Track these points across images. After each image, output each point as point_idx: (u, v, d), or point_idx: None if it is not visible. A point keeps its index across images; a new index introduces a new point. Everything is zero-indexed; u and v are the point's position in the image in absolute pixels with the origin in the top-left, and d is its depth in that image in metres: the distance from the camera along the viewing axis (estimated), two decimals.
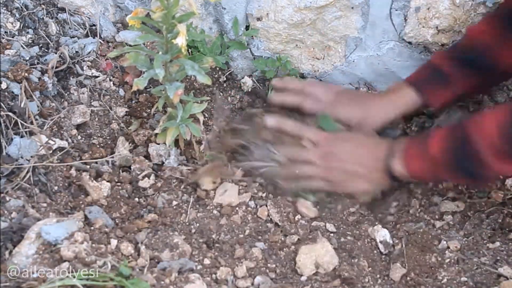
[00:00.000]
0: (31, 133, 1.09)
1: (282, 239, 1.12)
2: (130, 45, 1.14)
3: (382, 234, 1.15)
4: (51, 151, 1.10)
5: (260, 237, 1.12)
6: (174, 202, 1.13)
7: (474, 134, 1.05)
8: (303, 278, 1.05)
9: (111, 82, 1.30)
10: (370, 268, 1.10)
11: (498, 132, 1.02)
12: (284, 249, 1.10)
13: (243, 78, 1.45)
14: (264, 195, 1.19)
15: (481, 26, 1.25)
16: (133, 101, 1.31)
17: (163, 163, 1.20)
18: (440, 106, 1.28)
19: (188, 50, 1.30)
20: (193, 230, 1.09)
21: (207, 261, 1.03)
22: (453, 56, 1.26)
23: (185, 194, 1.15)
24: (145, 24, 1.06)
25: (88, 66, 1.28)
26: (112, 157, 1.17)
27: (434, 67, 1.27)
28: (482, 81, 1.25)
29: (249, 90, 1.43)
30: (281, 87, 1.34)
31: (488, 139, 1.03)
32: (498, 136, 1.02)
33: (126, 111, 1.28)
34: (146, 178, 1.14)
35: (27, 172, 1.04)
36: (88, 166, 1.14)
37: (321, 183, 1.19)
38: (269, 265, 1.06)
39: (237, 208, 1.15)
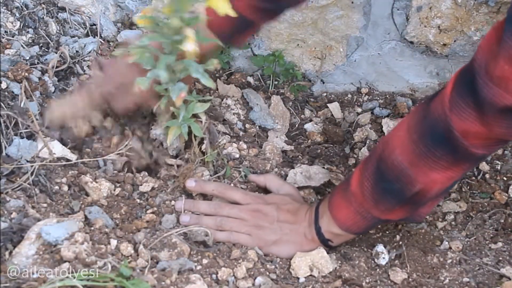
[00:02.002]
0: (32, 133, 1.09)
1: None
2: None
3: (379, 250, 1.12)
4: (51, 152, 1.10)
5: None
6: (173, 202, 1.13)
7: (387, 149, 0.96)
8: (303, 280, 1.05)
9: None
10: (370, 270, 1.09)
11: (408, 136, 0.93)
12: None
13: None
14: None
15: None
16: None
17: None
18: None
19: None
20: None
21: (205, 261, 1.02)
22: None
23: (182, 194, 1.15)
24: (150, 24, 1.05)
25: (88, 66, 1.28)
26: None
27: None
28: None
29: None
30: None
31: (401, 149, 0.94)
32: (409, 140, 0.93)
33: None
34: (145, 183, 1.14)
35: (28, 172, 1.03)
36: (88, 167, 1.13)
37: (249, 240, 1.08)
38: (267, 266, 1.06)
39: None
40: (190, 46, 0.99)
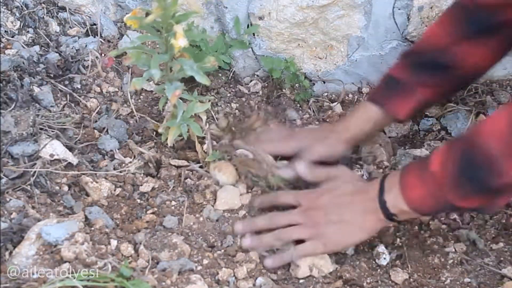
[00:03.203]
0: (33, 133, 1.09)
1: None
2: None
3: (380, 250, 1.12)
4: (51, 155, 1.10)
5: None
6: (173, 203, 1.12)
7: (481, 137, 0.93)
8: (303, 280, 1.05)
9: None
10: (371, 270, 1.09)
11: (508, 128, 0.90)
12: None
13: (245, 78, 1.45)
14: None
15: (434, 28, 1.18)
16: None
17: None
18: (408, 116, 1.20)
19: (191, 47, 1.29)
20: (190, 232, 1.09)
21: (206, 261, 1.02)
22: (409, 64, 1.19)
23: (183, 194, 1.15)
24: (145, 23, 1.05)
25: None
26: (112, 157, 1.17)
27: (391, 78, 1.20)
28: (444, 84, 1.18)
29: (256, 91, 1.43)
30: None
31: (499, 139, 0.91)
32: (509, 132, 0.90)
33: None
34: (146, 183, 1.13)
35: (28, 172, 1.03)
36: (88, 167, 1.13)
37: (314, 244, 1.06)
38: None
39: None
40: (182, 41, 0.99)
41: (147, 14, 1.01)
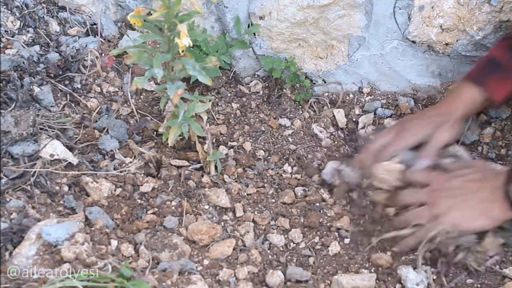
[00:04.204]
0: (33, 133, 1.08)
1: None
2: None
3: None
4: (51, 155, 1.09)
5: None
6: (174, 203, 1.12)
7: None
8: None
9: None
10: None
11: None
12: None
13: (245, 77, 1.45)
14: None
15: None
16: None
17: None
18: (504, 99, 1.23)
19: (192, 47, 1.29)
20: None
21: (206, 262, 1.02)
22: (509, 46, 1.22)
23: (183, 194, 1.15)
24: (147, 22, 1.05)
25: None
26: (113, 157, 1.17)
27: (492, 59, 1.23)
28: None
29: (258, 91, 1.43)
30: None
31: None
32: None
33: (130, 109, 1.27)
34: (146, 184, 1.13)
35: (28, 172, 1.03)
36: (88, 167, 1.13)
37: (433, 225, 1.09)
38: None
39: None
40: (186, 40, 0.99)
41: (150, 14, 1.01)
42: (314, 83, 1.46)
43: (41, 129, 1.11)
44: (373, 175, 1.19)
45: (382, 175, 1.18)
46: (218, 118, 1.35)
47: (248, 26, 1.37)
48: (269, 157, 1.30)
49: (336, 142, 1.37)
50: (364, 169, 1.20)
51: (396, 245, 1.11)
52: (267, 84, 1.44)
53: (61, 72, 1.24)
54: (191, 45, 1.00)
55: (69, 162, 1.10)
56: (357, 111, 1.44)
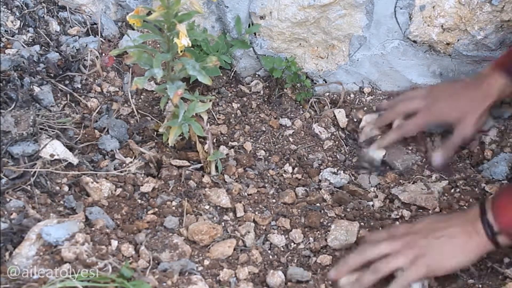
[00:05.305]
0: (34, 133, 1.08)
1: None
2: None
3: None
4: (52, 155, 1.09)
5: None
6: (174, 203, 1.12)
7: None
8: None
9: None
10: None
11: None
12: None
13: (246, 77, 1.45)
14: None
15: None
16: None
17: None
18: None
19: (192, 47, 1.29)
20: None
21: (207, 262, 1.02)
22: None
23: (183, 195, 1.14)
24: (147, 22, 1.05)
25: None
26: (113, 157, 1.17)
27: None
28: None
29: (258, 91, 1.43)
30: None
31: None
32: None
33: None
34: (146, 184, 1.13)
35: (28, 172, 1.03)
36: (89, 167, 1.13)
37: (416, 269, 0.99)
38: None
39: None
40: (185, 40, 0.99)
41: (149, 13, 1.01)
42: (315, 83, 1.46)
43: (41, 129, 1.11)
44: None
45: None
46: (218, 118, 1.35)
47: (249, 26, 1.37)
48: (269, 157, 1.30)
49: (337, 143, 1.37)
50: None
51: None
52: (267, 84, 1.44)
53: (61, 72, 1.24)
54: (190, 45, 0.99)
55: (69, 162, 1.10)
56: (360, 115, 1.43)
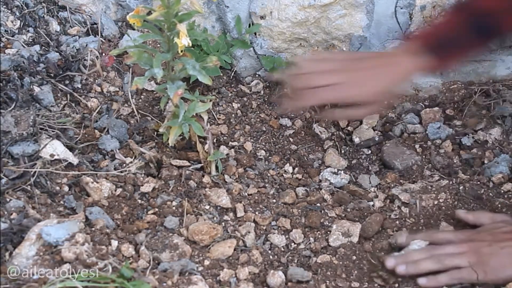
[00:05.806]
0: (34, 133, 1.08)
1: None
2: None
3: None
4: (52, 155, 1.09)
5: None
6: (174, 203, 1.12)
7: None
8: None
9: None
10: None
11: None
12: None
13: (246, 77, 1.44)
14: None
15: None
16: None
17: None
18: (449, 68, 1.27)
19: (192, 47, 1.29)
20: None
21: (207, 262, 1.02)
22: (469, 22, 1.17)
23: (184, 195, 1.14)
24: (147, 22, 1.05)
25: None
26: (113, 157, 1.17)
27: (452, 31, 1.19)
28: (487, 45, 1.23)
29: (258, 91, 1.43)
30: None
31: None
32: None
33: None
34: (146, 184, 1.13)
35: (28, 172, 1.03)
36: (89, 167, 1.13)
37: (472, 272, 1.02)
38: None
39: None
40: (185, 40, 0.99)
41: (149, 13, 1.01)
42: None
43: (41, 129, 1.11)
44: None
45: None
46: (218, 118, 1.35)
47: (249, 26, 1.37)
48: (270, 157, 1.30)
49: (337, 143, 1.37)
50: None
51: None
52: (268, 84, 1.44)
53: (61, 72, 1.24)
54: (190, 45, 0.99)
55: (70, 162, 1.10)
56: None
